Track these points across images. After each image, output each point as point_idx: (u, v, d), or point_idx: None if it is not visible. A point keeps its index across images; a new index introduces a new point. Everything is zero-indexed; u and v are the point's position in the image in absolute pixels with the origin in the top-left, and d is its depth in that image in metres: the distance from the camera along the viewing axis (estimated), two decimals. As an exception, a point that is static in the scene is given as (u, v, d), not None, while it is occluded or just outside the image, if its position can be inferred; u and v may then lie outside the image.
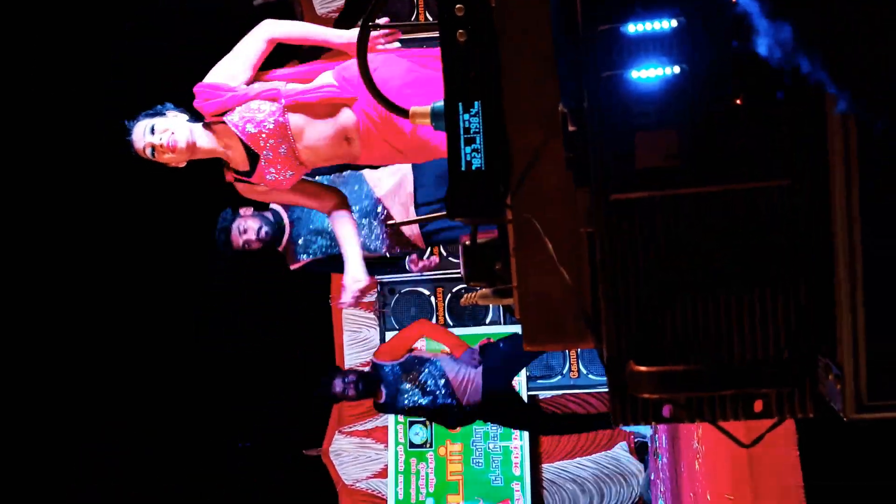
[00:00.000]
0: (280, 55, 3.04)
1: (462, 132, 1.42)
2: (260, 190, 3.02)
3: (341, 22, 4.25)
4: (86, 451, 5.21)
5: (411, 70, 2.85)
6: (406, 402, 4.55)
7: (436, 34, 1.46)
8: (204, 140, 2.93)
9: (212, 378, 5.64)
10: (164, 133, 2.88)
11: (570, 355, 5.52)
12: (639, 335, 1.25)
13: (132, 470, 3.36)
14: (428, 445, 5.59)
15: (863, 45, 1.03)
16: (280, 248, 4.23)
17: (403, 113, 1.69)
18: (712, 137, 1.22)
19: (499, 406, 4.66)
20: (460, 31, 1.42)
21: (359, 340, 5.80)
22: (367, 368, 4.79)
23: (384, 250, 4.10)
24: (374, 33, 2.80)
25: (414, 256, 4.24)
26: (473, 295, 1.63)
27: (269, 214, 4.16)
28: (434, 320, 5.67)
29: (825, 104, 1.15)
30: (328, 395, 4.65)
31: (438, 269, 5.29)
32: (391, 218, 3.94)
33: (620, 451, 5.45)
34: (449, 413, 4.56)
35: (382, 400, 4.56)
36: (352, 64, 2.91)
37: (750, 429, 1.49)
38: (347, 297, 3.02)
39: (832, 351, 1.16)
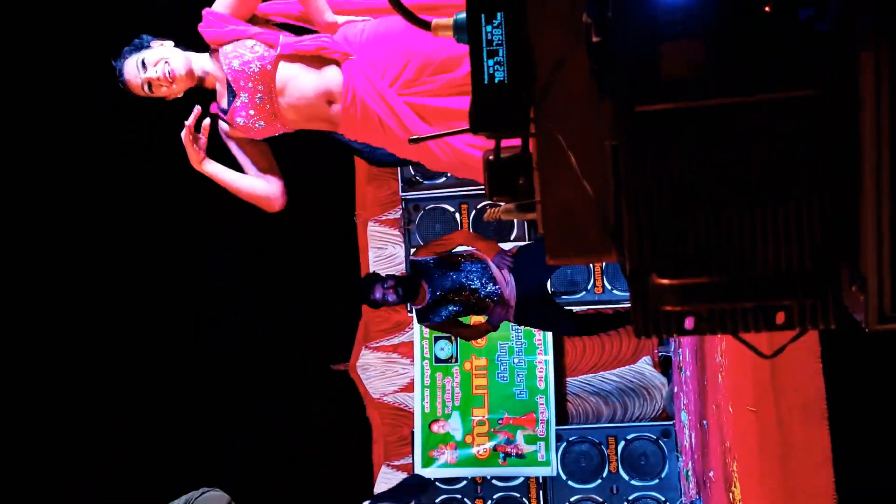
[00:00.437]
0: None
1: (485, 44, 1.40)
2: (232, 133, 2.97)
3: None
4: (86, 451, 5.25)
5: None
6: (450, 294, 4.46)
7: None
8: (200, 64, 2.88)
9: (212, 378, 5.68)
10: (159, 64, 2.83)
11: (594, 270, 5.53)
12: (661, 248, 1.25)
13: (132, 470, 3.40)
14: (453, 360, 5.67)
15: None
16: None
17: (426, 25, 1.67)
18: (739, 47, 1.20)
19: (532, 307, 4.64)
20: (482, -61, 1.39)
21: (384, 257, 5.84)
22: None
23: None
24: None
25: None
26: (497, 210, 1.63)
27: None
28: (458, 237, 5.68)
29: (855, 12, 1.12)
30: (369, 303, 4.56)
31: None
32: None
33: (644, 364, 5.50)
34: (496, 303, 4.51)
35: (427, 298, 4.45)
36: (354, 24, 2.86)
37: (773, 341, 1.49)
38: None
39: (856, 262, 1.16)
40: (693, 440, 4.30)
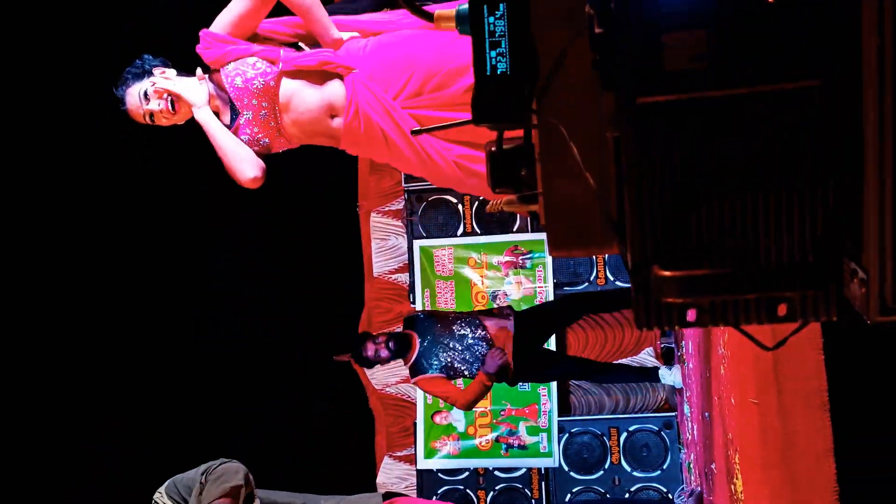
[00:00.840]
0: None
1: (487, 35, 1.40)
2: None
3: None
4: (86, 451, 5.25)
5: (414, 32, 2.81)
6: (441, 352, 4.48)
7: None
8: (206, 94, 2.86)
9: (212, 378, 5.68)
10: (162, 97, 2.82)
11: (597, 262, 5.53)
12: (663, 239, 1.25)
13: (132, 470, 3.40)
14: (456, 351, 5.66)
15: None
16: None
17: (428, 17, 1.67)
18: (742, 38, 1.19)
19: (531, 360, 4.66)
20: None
21: (386, 248, 5.84)
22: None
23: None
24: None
25: None
26: (499, 202, 1.63)
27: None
28: (461, 228, 5.69)
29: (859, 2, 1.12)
30: (363, 361, 4.64)
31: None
32: None
33: (646, 356, 5.50)
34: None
35: (417, 351, 4.49)
36: (357, 40, 2.85)
37: (775, 333, 1.50)
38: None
39: (858, 254, 1.16)
40: (695, 432, 4.31)
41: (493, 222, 5.61)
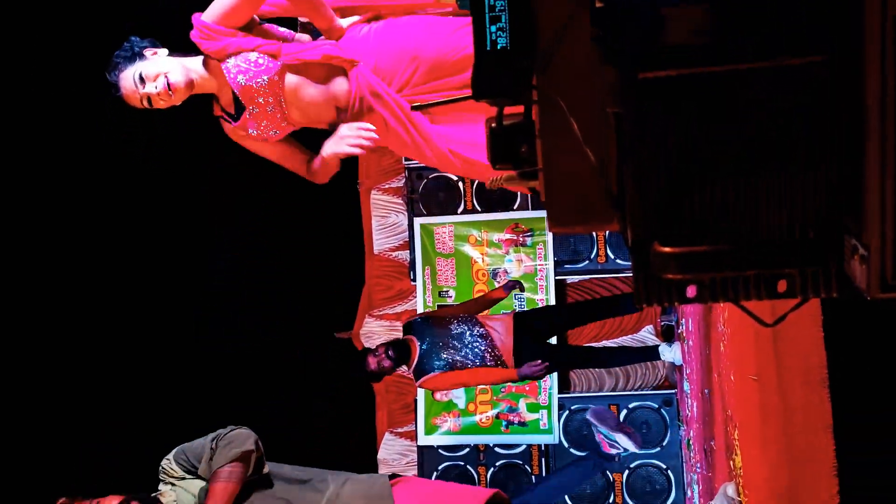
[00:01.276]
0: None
1: (487, 10, 1.39)
2: (241, 135, 2.91)
3: None
4: (86, 451, 5.26)
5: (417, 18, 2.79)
6: (441, 351, 4.49)
7: None
8: (200, 75, 2.81)
9: (212, 378, 5.68)
10: (159, 79, 2.75)
11: (597, 239, 5.53)
12: (663, 216, 1.24)
13: (132, 470, 3.43)
14: (456, 328, 5.67)
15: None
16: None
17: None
18: (744, 13, 1.19)
19: (532, 355, 4.67)
20: None
21: (387, 226, 5.84)
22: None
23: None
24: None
25: None
26: (500, 178, 1.63)
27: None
28: (462, 206, 5.68)
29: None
30: (366, 377, 4.65)
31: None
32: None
33: (647, 334, 5.51)
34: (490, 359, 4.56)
35: (417, 354, 4.51)
36: (360, 28, 2.82)
37: (775, 310, 1.50)
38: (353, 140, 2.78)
39: (859, 231, 1.16)
40: (695, 409, 4.33)
41: (494, 199, 5.60)
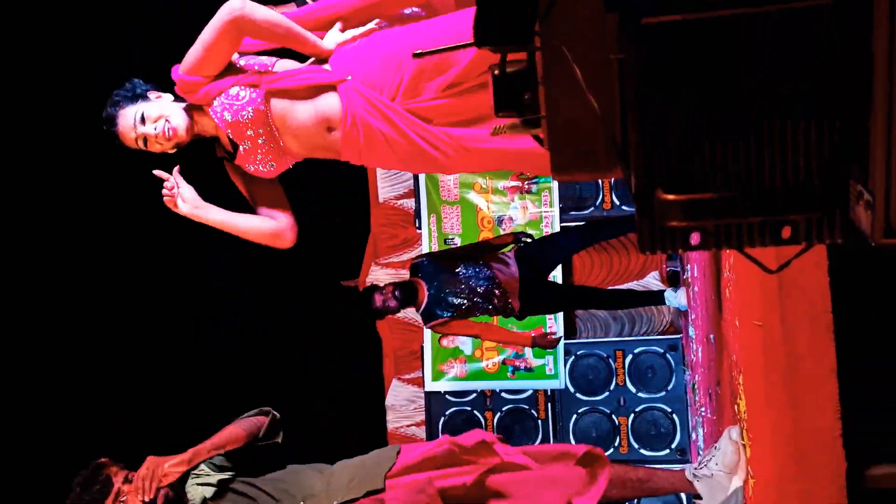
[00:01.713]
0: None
1: (489, -45, 1.37)
2: (238, 178, 2.90)
3: None
4: (86, 451, 5.28)
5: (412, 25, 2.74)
6: (450, 296, 4.51)
7: None
8: (199, 119, 2.78)
9: (212, 378, 5.67)
10: (160, 121, 2.74)
11: (602, 186, 5.51)
12: (667, 163, 1.24)
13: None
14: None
15: None
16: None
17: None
18: (750, -45, 1.16)
19: (539, 295, 4.68)
20: None
21: (392, 174, 5.82)
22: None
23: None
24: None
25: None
26: (503, 126, 1.61)
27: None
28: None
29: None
30: (371, 313, 4.66)
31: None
32: None
33: (652, 279, 5.51)
34: (496, 296, 4.57)
35: (426, 297, 4.52)
36: (345, 46, 2.74)
37: (780, 256, 1.49)
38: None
39: (864, 177, 1.15)
40: (700, 354, 4.35)
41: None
